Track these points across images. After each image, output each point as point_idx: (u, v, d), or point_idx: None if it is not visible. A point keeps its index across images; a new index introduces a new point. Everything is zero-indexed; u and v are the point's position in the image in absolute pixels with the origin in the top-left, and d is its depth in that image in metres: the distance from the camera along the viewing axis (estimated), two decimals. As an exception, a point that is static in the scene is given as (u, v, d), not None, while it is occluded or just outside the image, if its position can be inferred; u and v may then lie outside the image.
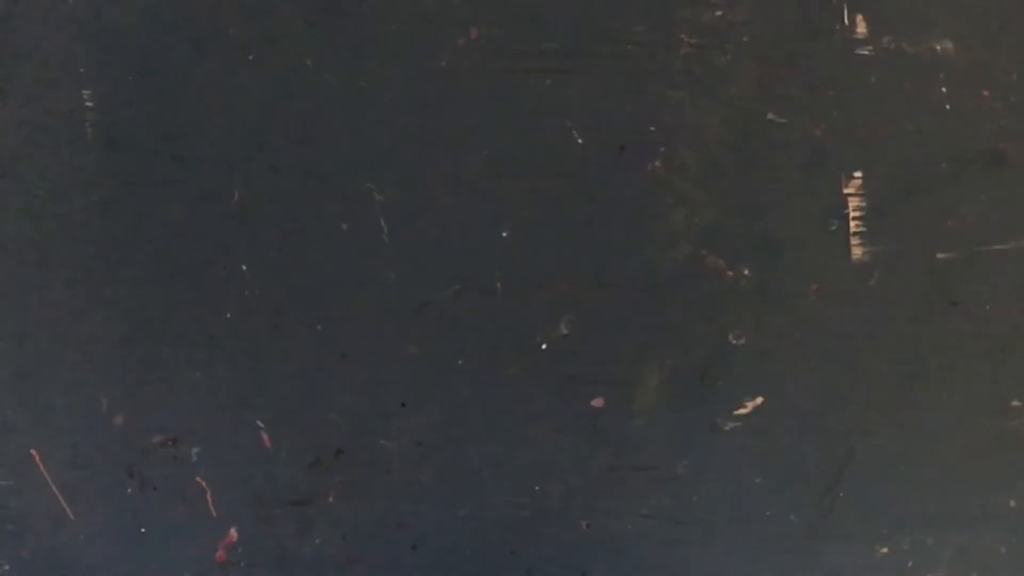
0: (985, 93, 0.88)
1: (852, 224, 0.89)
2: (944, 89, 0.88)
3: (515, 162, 0.88)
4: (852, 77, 0.88)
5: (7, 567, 0.92)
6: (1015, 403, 0.91)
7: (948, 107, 0.88)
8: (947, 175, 0.89)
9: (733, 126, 0.88)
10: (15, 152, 0.88)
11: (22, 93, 0.88)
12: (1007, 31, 0.88)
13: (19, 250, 0.89)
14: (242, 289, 0.89)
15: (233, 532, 0.92)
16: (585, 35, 0.88)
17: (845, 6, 0.87)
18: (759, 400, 0.90)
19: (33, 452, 0.91)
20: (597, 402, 0.90)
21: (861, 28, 0.87)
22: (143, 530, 0.92)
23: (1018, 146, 0.89)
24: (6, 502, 0.92)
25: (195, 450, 0.91)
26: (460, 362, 0.90)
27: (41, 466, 0.91)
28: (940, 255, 0.89)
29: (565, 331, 0.90)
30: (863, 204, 0.89)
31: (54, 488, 0.91)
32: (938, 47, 0.88)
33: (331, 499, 0.91)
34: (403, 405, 0.90)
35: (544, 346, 0.90)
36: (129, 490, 0.91)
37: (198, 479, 0.91)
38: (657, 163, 0.88)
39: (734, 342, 0.90)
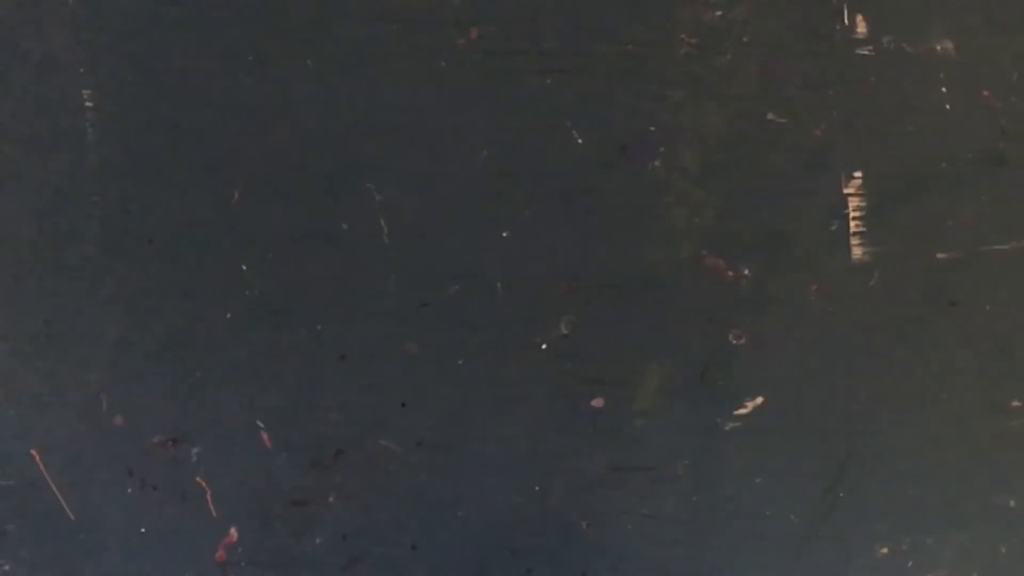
0: (985, 93, 0.88)
1: (852, 224, 0.89)
2: (944, 89, 0.88)
3: (515, 162, 0.88)
4: (852, 77, 0.88)
5: (7, 567, 0.92)
6: (1015, 403, 0.91)
7: (948, 107, 0.88)
8: (947, 175, 0.89)
9: (733, 126, 0.88)
10: (15, 152, 0.88)
11: (22, 93, 0.88)
12: (1007, 31, 0.88)
13: (19, 250, 0.89)
14: (242, 289, 0.89)
15: (233, 532, 0.92)
16: (585, 35, 0.88)
17: (845, 6, 0.87)
18: (759, 400, 0.90)
19: (33, 452, 0.91)
20: (597, 402, 0.90)
21: (861, 28, 0.87)
22: (143, 530, 0.92)
23: (1018, 146, 0.89)
24: (6, 502, 0.92)
25: (195, 450, 0.91)
26: (460, 362, 0.90)
27: (41, 466, 0.91)
28: (940, 255, 0.89)
29: (565, 331, 0.90)
30: (863, 204, 0.89)
31: (54, 488, 0.91)
32: (938, 47, 0.88)
33: (331, 499, 0.91)
34: (403, 405, 0.90)
35: (544, 346, 0.90)
36: (129, 490, 0.91)
37: (198, 479, 0.91)
38: (657, 163, 0.89)
39: (734, 342, 0.90)
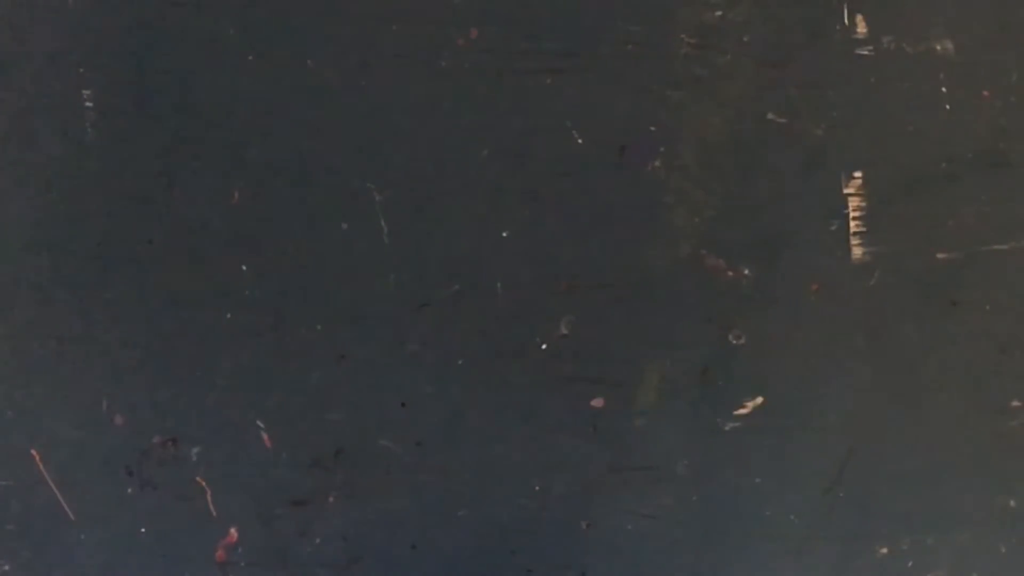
0: (985, 93, 0.88)
1: (852, 224, 0.89)
2: (944, 89, 0.88)
3: (515, 162, 0.88)
4: (852, 77, 0.88)
5: (7, 567, 0.92)
6: (1015, 403, 0.91)
7: (948, 107, 0.88)
8: (947, 175, 0.89)
9: (733, 126, 0.88)
10: (15, 152, 0.88)
11: (22, 93, 0.88)
12: (1007, 31, 0.88)
13: (19, 250, 0.89)
14: (242, 289, 0.89)
15: (233, 532, 0.92)
16: (585, 35, 0.88)
17: (845, 6, 0.87)
18: (759, 400, 0.90)
19: (33, 452, 0.91)
20: (597, 402, 0.90)
21: (861, 28, 0.87)
22: (143, 530, 0.92)
23: (1018, 146, 0.89)
24: (6, 502, 0.92)
25: (195, 450, 0.91)
26: (460, 362, 0.90)
27: (41, 466, 0.91)
28: (940, 255, 0.89)
29: (565, 331, 0.90)
30: (863, 204, 0.89)
31: (54, 488, 0.91)
32: (938, 47, 0.88)
33: (331, 499, 0.91)
34: (403, 405, 0.90)
35: (544, 346, 0.90)
36: (129, 490, 0.91)
37: (198, 479, 0.91)
38: (657, 163, 0.88)
39: (734, 342, 0.90)
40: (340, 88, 0.88)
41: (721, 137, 0.88)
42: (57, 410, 0.91)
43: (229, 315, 0.90)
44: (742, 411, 0.91)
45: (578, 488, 0.91)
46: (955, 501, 0.92)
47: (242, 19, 0.88)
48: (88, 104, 0.88)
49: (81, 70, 0.88)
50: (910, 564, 0.92)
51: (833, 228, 0.89)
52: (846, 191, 0.89)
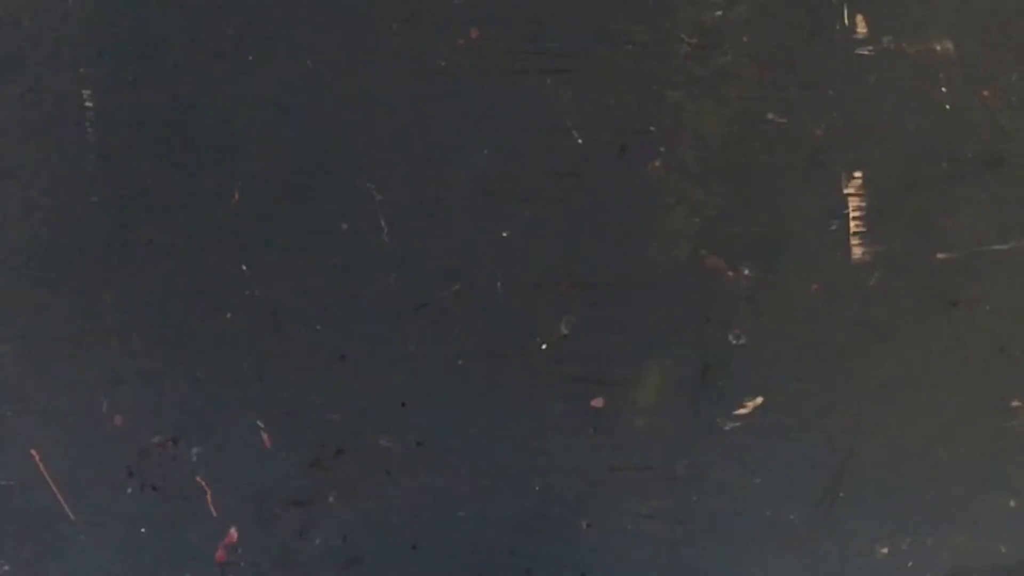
0: (985, 93, 0.88)
1: (852, 224, 0.89)
2: (944, 89, 0.88)
3: (515, 162, 0.88)
4: (852, 77, 0.88)
5: (7, 567, 0.92)
6: (1015, 403, 0.91)
7: (948, 107, 0.88)
8: (947, 175, 0.89)
9: (733, 126, 0.88)
10: (15, 152, 0.88)
11: (22, 93, 0.88)
12: (1007, 31, 0.88)
13: (19, 250, 0.89)
14: (242, 289, 0.89)
15: (233, 532, 0.92)
16: (585, 35, 0.88)
17: (845, 6, 0.87)
18: (759, 400, 0.90)
19: (33, 452, 0.91)
20: (597, 402, 0.90)
21: (861, 28, 0.87)
22: (143, 530, 0.92)
23: (1018, 146, 0.89)
24: (6, 502, 0.92)
25: (195, 450, 0.91)
26: (460, 362, 0.90)
27: (41, 466, 0.91)
28: (940, 255, 0.89)
29: (565, 331, 0.90)
30: (863, 204, 0.89)
31: (54, 488, 0.91)
32: (938, 47, 0.88)
33: (331, 499, 0.91)
34: (403, 405, 0.90)
35: (544, 346, 0.90)
36: (129, 490, 0.91)
37: (198, 479, 0.91)
38: (657, 163, 0.88)
39: (734, 342, 0.90)
40: (340, 88, 0.88)
41: (721, 137, 0.88)
42: (57, 410, 0.91)
43: (229, 315, 0.90)
44: (742, 411, 0.91)
45: (578, 488, 0.91)
46: (955, 501, 0.92)
47: (242, 19, 0.88)
48: (88, 104, 0.88)
49: (81, 70, 0.88)
50: (910, 564, 0.92)
51: (833, 228, 0.89)
52: (846, 191, 0.89)
